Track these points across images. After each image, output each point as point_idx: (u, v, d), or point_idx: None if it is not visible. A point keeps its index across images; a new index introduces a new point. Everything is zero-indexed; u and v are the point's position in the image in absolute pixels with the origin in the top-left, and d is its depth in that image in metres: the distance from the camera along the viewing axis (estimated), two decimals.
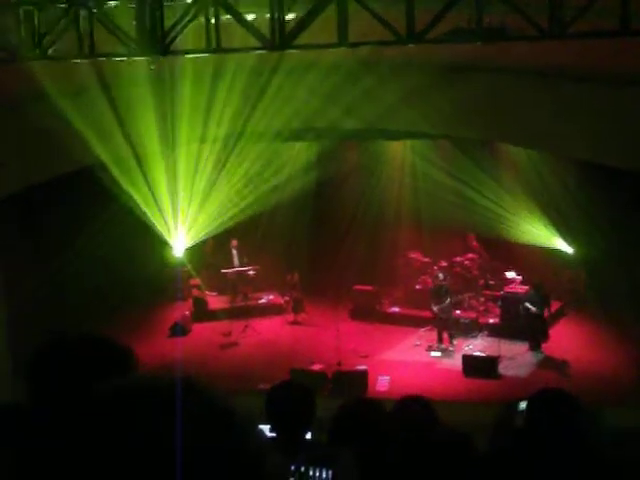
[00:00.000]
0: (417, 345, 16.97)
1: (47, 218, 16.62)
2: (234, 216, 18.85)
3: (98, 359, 1.80)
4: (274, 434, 4.21)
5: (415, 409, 4.51)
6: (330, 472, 3.43)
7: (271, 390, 4.35)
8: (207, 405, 1.12)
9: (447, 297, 17.01)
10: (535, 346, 16.33)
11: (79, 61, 11.23)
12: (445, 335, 16.80)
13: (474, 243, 19.39)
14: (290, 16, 10.21)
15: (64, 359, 1.81)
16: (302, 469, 3.49)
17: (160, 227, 17.79)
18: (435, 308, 16.86)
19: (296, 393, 4.29)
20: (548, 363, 15.63)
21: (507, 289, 17.92)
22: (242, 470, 1.10)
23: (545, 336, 16.44)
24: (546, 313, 16.57)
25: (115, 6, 10.56)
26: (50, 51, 10.61)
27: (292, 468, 3.55)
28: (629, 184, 14.65)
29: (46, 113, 13.00)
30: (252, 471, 1.12)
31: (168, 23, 10.27)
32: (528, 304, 16.42)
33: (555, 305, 18.00)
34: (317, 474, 3.46)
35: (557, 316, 18.01)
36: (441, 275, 17.51)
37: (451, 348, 16.57)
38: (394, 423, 4.11)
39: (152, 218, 17.45)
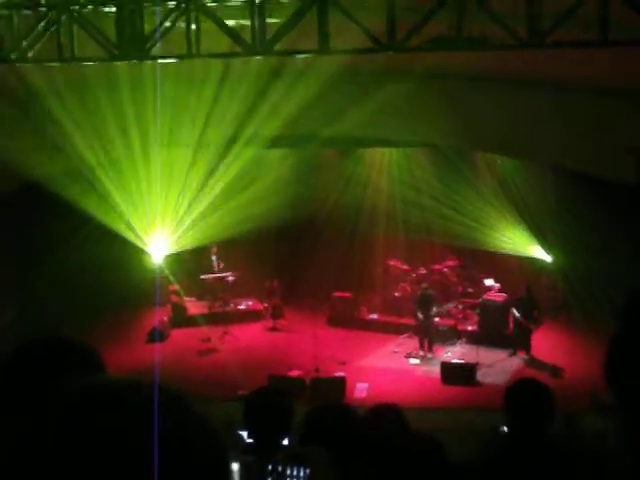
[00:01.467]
0: (396, 352, 16.98)
1: (26, 222, 16.52)
2: (215, 224, 18.80)
3: (65, 360, 1.79)
4: (252, 440, 4.20)
5: (387, 417, 4.52)
6: (307, 470, 3.45)
7: (249, 396, 4.35)
8: (178, 407, 1.12)
9: (433, 305, 17.05)
10: (513, 352, 16.47)
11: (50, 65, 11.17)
12: (425, 343, 16.83)
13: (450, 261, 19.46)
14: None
15: (30, 361, 1.80)
16: (279, 468, 3.51)
17: (138, 234, 17.77)
18: (421, 315, 16.89)
19: (274, 399, 4.29)
20: (526, 370, 15.69)
21: (485, 297, 17.99)
22: (211, 474, 1.10)
23: (524, 343, 16.50)
24: (533, 321, 16.59)
25: (95, 10, 10.52)
26: (29, 55, 10.56)
27: (269, 468, 3.57)
28: (607, 192, 14.76)
29: (16, 118, 12.96)
30: (221, 476, 1.12)
31: (149, 27, 10.27)
32: (514, 310, 16.59)
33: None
34: (294, 472, 3.47)
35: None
36: (425, 283, 17.60)
37: (430, 355, 16.60)
38: (364, 430, 4.13)
39: (130, 224, 17.44)
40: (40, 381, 1.61)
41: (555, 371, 15.18)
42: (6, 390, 1.73)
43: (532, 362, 16.09)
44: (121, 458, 1.02)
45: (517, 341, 16.64)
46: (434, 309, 17.05)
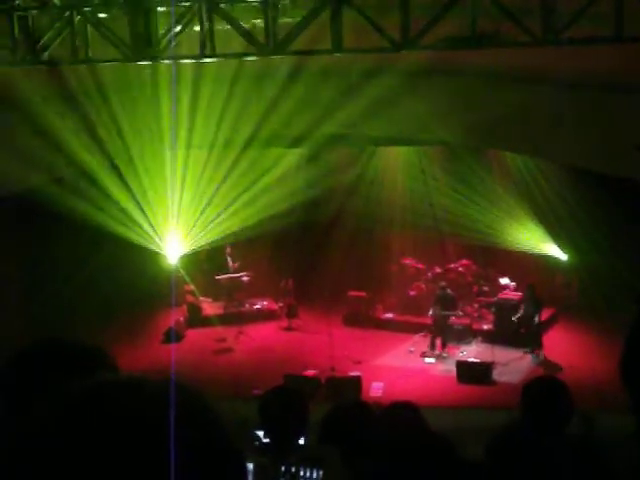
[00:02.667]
0: (411, 351, 16.95)
1: (40, 224, 16.59)
2: (230, 224, 18.81)
3: (73, 361, 1.80)
4: (268, 439, 4.21)
5: (404, 415, 4.51)
6: (320, 472, 3.45)
7: (264, 395, 4.35)
8: (194, 404, 1.12)
9: (451, 305, 17.01)
10: (529, 350, 16.43)
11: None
12: (438, 341, 16.80)
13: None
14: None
15: (38, 362, 1.81)
16: (292, 470, 3.51)
17: (154, 235, 17.82)
18: (437, 314, 16.88)
19: (289, 398, 4.28)
20: (541, 369, 15.63)
21: (501, 295, 17.92)
22: (224, 471, 1.10)
23: (536, 341, 16.46)
24: (538, 318, 16.58)
25: (109, 12, 10.56)
26: (44, 56, 10.62)
27: (283, 469, 3.57)
28: (622, 191, 14.69)
29: (35, 119, 12.99)
30: (235, 472, 1.13)
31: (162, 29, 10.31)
32: (520, 310, 16.61)
33: (548, 311, 18.05)
34: (307, 474, 3.47)
35: (550, 322, 18.03)
36: (443, 282, 17.58)
37: (445, 354, 16.56)
38: (382, 428, 4.13)
39: (146, 225, 17.49)
40: (49, 382, 1.62)
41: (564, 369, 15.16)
42: (12, 392, 1.74)
43: (545, 361, 16.02)
44: (136, 455, 1.02)
45: (532, 340, 16.59)
46: (452, 309, 17.01)
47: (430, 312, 16.97)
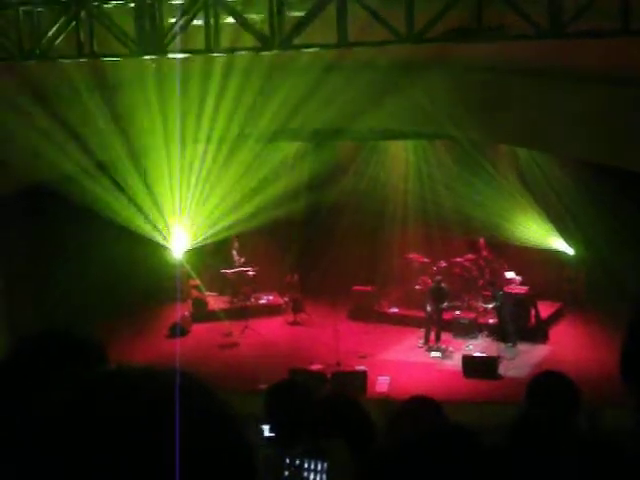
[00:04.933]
0: (419, 347, 16.92)
1: (47, 218, 16.61)
2: (234, 218, 18.79)
3: (64, 353, 1.80)
4: (273, 434, 4.20)
5: (425, 410, 4.48)
6: (325, 464, 3.43)
7: (269, 389, 4.35)
8: (203, 396, 1.12)
9: (445, 299, 17.04)
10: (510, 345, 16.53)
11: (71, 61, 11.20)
12: (431, 334, 16.85)
13: (483, 250, 19.23)
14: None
15: (29, 356, 1.81)
16: (297, 462, 3.50)
17: (158, 229, 17.83)
18: (430, 308, 16.95)
19: (294, 392, 4.28)
20: (548, 363, 15.59)
21: (506, 289, 17.88)
22: (236, 462, 1.10)
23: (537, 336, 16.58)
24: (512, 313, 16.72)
25: (115, 6, 10.55)
26: (50, 51, 10.61)
27: (287, 461, 3.55)
28: (630, 185, 14.64)
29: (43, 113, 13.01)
30: (246, 464, 1.12)
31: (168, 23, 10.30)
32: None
33: (555, 306, 18.01)
34: (312, 466, 3.46)
35: (557, 317, 18.01)
36: (439, 277, 17.59)
37: (442, 347, 16.56)
38: (403, 423, 4.11)
39: (150, 220, 17.50)
40: (41, 375, 1.62)
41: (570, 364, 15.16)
42: (7, 388, 1.74)
43: (552, 356, 16.01)
44: (141, 441, 1.02)
45: (538, 333, 16.61)
46: (445, 303, 17.03)
47: (429, 308, 16.99)
